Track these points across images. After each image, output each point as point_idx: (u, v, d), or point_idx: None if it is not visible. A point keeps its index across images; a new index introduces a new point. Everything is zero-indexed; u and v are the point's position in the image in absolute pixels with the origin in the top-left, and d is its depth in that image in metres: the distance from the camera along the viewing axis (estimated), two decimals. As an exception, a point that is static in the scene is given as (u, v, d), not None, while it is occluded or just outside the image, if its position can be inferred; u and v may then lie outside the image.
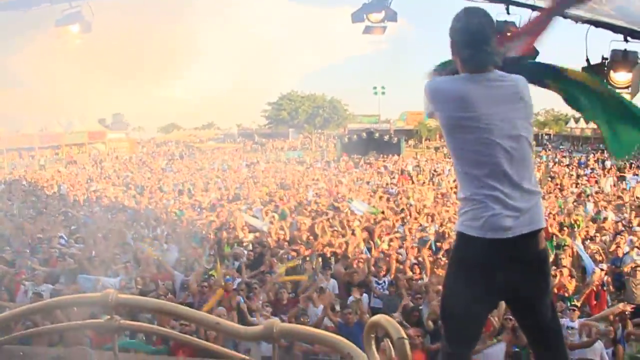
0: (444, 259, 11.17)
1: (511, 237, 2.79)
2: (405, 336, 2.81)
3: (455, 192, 21.45)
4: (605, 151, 39.04)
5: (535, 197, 2.90)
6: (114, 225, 14.96)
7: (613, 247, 12.12)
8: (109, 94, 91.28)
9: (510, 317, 7.67)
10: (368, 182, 26.34)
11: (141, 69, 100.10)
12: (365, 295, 9.64)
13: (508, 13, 6.85)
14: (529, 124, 2.95)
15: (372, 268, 10.95)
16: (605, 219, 16.05)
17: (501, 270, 2.84)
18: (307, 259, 11.44)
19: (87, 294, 6.85)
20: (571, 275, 10.28)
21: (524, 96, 2.92)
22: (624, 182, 25.91)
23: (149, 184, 27.61)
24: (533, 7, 6.12)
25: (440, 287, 9.46)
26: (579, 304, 9.07)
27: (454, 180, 25.91)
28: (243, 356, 3.51)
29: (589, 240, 13.07)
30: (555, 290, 9.28)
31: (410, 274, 10.61)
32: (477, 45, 2.87)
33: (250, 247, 13.01)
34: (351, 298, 9.39)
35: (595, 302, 9.72)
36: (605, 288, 10.27)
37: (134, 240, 13.44)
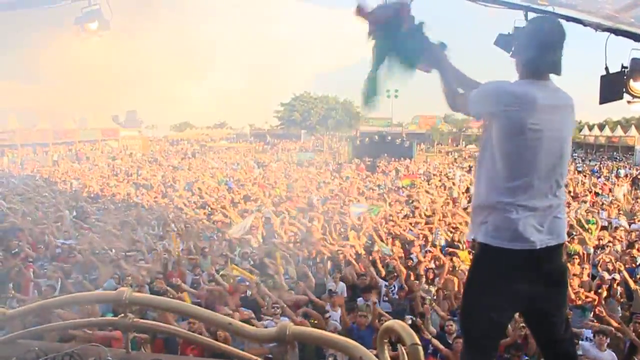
0: (459, 265, 11.11)
1: (537, 249, 2.79)
2: (419, 342, 2.80)
3: (466, 198, 21.39)
4: (618, 159, 38.83)
5: (561, 208, 2.90)
6: (125, 222, 15.02)
7: (627, 257, 12.00)
8: (123, 92, 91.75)
9: (523, 326, 7.66)
10: (379, 186, 26.23)
11: (156, 67, 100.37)
12: (375, 298, 9.61)
13: (526, 19, 6.81)
14: (570, 138, 2.97)
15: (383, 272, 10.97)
16: (617, 227, 15.91)
17: (524, 282, 2.84)
18: (319, 261, 11.43)
19: (102, 291, 6.90)
20: (582, 286, 10.20)
21: (574, 109, 2.97)
22: (637, 190, 25.72)
23: (161, 181, 27.70)
24: (552, 14, 6.08)
25: (446, 293, 9.53)
26: (591, 315, 9.02)
27: (464, 185, 25.88)
28: (252, 356, 3.51)
29: (600, 249, 12.97)
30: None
31: (420, 279, 10.58)
32: (547, 53, 2.90)
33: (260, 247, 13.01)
34: (360, 300, 9.40)
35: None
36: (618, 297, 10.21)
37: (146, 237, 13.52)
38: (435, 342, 7.80)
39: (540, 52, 2.89)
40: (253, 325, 5.27)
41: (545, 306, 2.95)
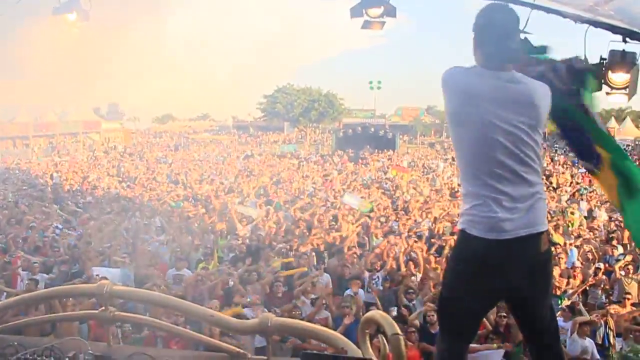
0: (439, 255, 11.20)
1: (510, 238, 2.78)
2: (400, 332, 2.82)
3: (448, 189, 21.54)
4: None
5: (535, 199, 2.87)
6: (108, 216, 14.93)
7: (607, 247, 12.17)
8: (105, 84, 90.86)
9: (504, 315, 7.76)
10: (363, 178, 26.28)
11: (138, 58, 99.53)
12: (360, 290, 9.66)
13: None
14: (537, 130, 2.87)
15: (368, 263, 11.01)
16: (596, 218, 16.12)
17: (501, 270, 2.83)
18: (305, 254, 11.43)
19: (82, 285, 6.84)
20: (562, 275, 10.34)
21: (538, 103, 2.87)
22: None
23: (144, 175, 27.54)
24: (532, 6, 6.11)
25: (432, 284, 9.59)
26: (568, 303, 9.15)
27: (448, 177, 26.05)
28: (236, 348, 3.51)
29: (581, 239, 13.12)
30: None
31: (404, 270, 10.63)
32: (498, 42, 2.83)
33: (245, 240, 12.98)
34: (348, 292, 9.43)
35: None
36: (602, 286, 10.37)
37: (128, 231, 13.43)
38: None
39: (487, 44, 2.86)
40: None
41: (527, 295, 2.95)
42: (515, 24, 2.91)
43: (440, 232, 13.66)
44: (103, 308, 3.45)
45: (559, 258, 11.07)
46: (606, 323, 8.45)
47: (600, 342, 8.33)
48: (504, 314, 7.89)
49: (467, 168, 2.91)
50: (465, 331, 3.10)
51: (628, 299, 9.47)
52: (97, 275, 8.98)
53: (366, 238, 13.16)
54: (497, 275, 2.84)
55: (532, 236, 2.84)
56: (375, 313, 3.14)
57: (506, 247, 2.79)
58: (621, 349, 8.04)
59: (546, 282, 3.04)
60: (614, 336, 8.33)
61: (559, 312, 8.49)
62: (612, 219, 15.80)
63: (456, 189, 20.50)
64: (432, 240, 12.88)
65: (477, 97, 2.81)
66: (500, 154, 2.80)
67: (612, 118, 56.57)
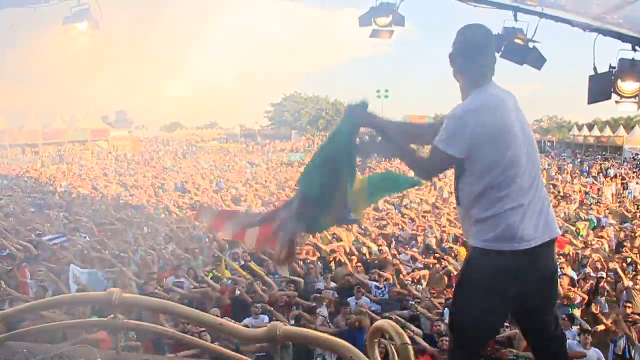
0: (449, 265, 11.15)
1: (533, 247, 2.79)
2: (409, 342, 2.81)
3: (455, 198, 21.45)
4: (608, 160, 39.06)
5: (547, 203, 2.89)
6: (115, 224, 14.97)
7: (617, 257, 12.09)
8: (114, 92, 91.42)
9: (507, 325, 7.72)
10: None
11: (146, 67, 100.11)
12: (365, 299, 9.64)
13: (516, 20, 6.86)
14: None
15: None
16: (604, 227, 16.02)
17: (517, 281, 2.83)
18: (309, 262, 11.42)
19: (92, 292, 6.85)
20: (572, 284, 10.27)
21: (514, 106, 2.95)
22: (626, 190, 25.87)
23: (152, 182, 27.64)
24: (541, 15, 6.13)
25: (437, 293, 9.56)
26: (578, 314, 9.08)
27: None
28: (242, 357, 3.50)
29: (590, 249, 13.04)
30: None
31: (409, 279, 10.60)
32: (485, 56, 2.95)
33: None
34: (351, 300, 9.42)
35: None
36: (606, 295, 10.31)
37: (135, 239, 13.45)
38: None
39: (474, 61, 2.92)
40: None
41: (537, 305, 2.94)
42: (493, 41, 3.02)
43: (446, 240, 13.61)
44: (112, 316, 3.46)
45: (569, 267, 11.02)
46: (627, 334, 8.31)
47: (620, 354, 8.21)
48: (507, 325, 7.85)
49: (489, 189, 2.85)
50: (480, 346, 3.09)
51: (628, 307, 9.37)
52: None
53: (371, 247, 13.12)
54: (514, 286, 2.83)
55: (550, 242, 2.85)
56: (385, 322, 3.12)
57: (527, 257, 2.79)
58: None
59: (555, 291, 3.04)
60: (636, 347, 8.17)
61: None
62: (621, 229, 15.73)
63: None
64: (438, 250, 12.83)
65: (502, 108, 2.87)
66: (532, 156, 2.87)
67: (621, 127, 56.20)
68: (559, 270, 2.96)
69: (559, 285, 3.18)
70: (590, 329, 8.17)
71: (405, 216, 17.07)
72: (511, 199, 2.79)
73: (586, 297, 9.80)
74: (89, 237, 13.32)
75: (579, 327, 8.29)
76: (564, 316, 8.65)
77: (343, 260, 11.58)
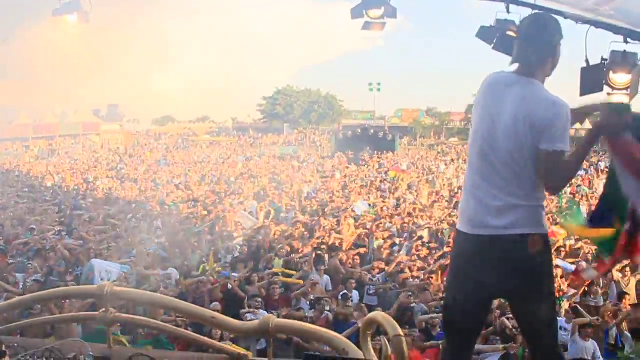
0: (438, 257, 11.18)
1: (489, 234, 2.83)
2: (402, 334, 2.81)
3: (448, 191, 21.54)
4: (599, 152, 39.20)
5: (523, 200, 2.85)
6: (108, 218, 14.92)
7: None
8: (105, 85, 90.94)
9: (510, 317, 7.76)
10: (362, 179, 26.26)
11: (138, 60, 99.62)
12: (355, 292, 9.66)
13: (508, 12, 6.85)
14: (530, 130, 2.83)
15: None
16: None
17: (487, 268, 2.87)
18: (306, 256, 11.41)
19: (82, 286, 6.84)
20: (563, 276, 10.32)
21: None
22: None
23: (143, 176, 27.54)
24: (533, 6, 6.11)
25: (433, 286, 9.59)
26: (567, 305, 9.15)
27: (447, 179, 26.05)
28: (237, 349, 3.50)
29: (581, 241, 13.08)
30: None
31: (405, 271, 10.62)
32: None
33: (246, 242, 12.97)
34: (343, 293, 9.44)
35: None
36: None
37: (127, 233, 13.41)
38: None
39: (557, 54, 2.93)
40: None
41: (524, 297, 2.94)
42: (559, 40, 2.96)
43: (440, 234, 13.65)
44: (103, 310, 3.44)
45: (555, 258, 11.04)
46: (619, 323, 8.40)
47: (613, 343, 8.29)
48: (510, 316, 7.89)
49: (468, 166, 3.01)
50: (467, 332, 3.11)
51: (627, 299, 9.45)
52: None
53: (366, 240, 13.14)
54: (484, 273, 2.88)
55: (519, 236, 2.82)
56: (377, 314, 3.13)
57: (490, 245, 2.84)
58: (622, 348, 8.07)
59: (540, 284, 2.99)
60: (624, 336, 8.29)
61: (563, 314, 8.50)
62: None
63: (456, 191, 20.51)
64: (432, 243, 12.86)
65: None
66: (492, 154, 2.87)
67: (612, 120, 56.58)
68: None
69: (548, 278, 3.11)
70: (589, 321, 8.25)
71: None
72: (475, 181, 2.92)
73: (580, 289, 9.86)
74: (80, 232, 13.25)
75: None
76: (568, 309, 8.75)
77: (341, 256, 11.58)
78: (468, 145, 3.04)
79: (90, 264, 9.84)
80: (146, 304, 4.99)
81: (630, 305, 9.25)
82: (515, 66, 2.93)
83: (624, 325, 8.32)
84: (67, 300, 6.86)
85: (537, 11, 5.19)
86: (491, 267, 2.85)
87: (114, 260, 10.49)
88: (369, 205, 17.45)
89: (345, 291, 9.48)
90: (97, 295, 3.42)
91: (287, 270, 10.64)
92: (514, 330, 7.27)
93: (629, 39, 5.79)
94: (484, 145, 2.86)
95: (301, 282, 10.10)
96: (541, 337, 3.03)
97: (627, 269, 10.47)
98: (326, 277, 10.50)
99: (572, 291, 9.80)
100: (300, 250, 11.81)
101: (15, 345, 3.07)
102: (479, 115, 2.94)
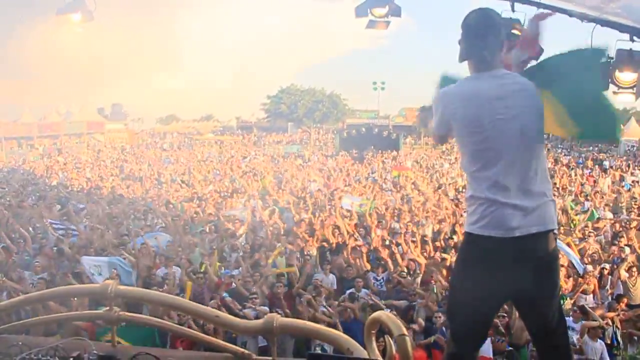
0: (447, 256, 11.14)
1: (518, 235, 2.78)
2: (406, 333, 2.80)
3: (454, 189, 21.49)
4: (602, 151, 39.11)
5: (543, 197, 2.87)
6: (112, 215, 14.95)
7: (614, 248, 12.07)
8: (109, 84, 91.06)
9: (504, 315, 7.79)
10: (367, 178, 26.22)
11: (142, 59, 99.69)
12: (364, 290, 9.65)
13: (513, 10, 6.82)
14: (535, 120, 2.90)
15: (368, 264, 11.04)
16: (600, 219, 16.01)
17: (507, 269, 2.82)
18: (306, 254, 11.41)
19: (87, 285, 6.85)
20: (568, 275, 10.30)
21: (529, 91, 2.91)
22: (622, 182, 25.89)
23: (148, 174, 27.58)
24: (538, 4, 6.09)
25: (436, 285, 9.58)
26: (570, 304, 9.14)
27: (452, 178, 26.00)
28: (240, 349, 3.49)
29: (586, 240, 13.04)
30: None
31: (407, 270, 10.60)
32: (485, 43, 2.90)
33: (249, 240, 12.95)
34: (349, 291, 9.43)
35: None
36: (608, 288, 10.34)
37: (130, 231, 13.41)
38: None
39: (473, 45, 2.92)
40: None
41: (536, 295, 2.92)
42: (495, 24, 2.96)
43: (444, 233, 13.61)
44: (108, 308, 3.45)
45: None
46: (614, 323, 8.44)
47: (609, 342, 8.31)
48: (504, 314, 7.94)
49: (474, 171, 2.91)
50: (476, 335, 3.08)
51: (623, 301, 9.40)
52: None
53: (369, 238, 13.11)
54: (505, 274, 2.83)
55: (541, 234, 2.83)
56: (382, 314, 3.12)
57: (515, 245, 2.79)
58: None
59: (553, 282, 3.01)
60: (621, 336, 8.33)
61: (570, 313, 8.51)
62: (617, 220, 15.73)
63: (461, 190, 20.46)
64: (436, 242, 12.82)
65: (482, 99, 2.85)
66: (520, 146, 2.82)
67: (617, 119, 56.41)
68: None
69: (558, 276, 3.11)
70: (601, 322, 8.26)
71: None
72: (493, 187, 2.84)
73: (592, 287, 9.86)
74: (85, 230, 13.28)
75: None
76: (576, 308, 8.76)
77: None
78: (469, 152, 2.96)
79: (81, 261, 9.85)
80: (151, 303, 5.00)
81: (627, 305, 9.28)
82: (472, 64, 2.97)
83: (618, 324, 8.39)
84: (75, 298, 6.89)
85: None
86: (515, 269, 2.82)
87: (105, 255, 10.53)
88: (366, 199, 17.31)
89: (352, 290, 9.49)
90: (101, 293, 3.42)
91: (289, 269, 10.63)
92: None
93: (635, 37, 5.76)
94: (498, 146, 2.83)
95: (294, 269, 10.15)
96: (554, 336, 3.01)
97: (634, 269, 10.44)
98: (332, 276, 10.51)
99: (573, 291, 9.80)
100: (304, 249, 11.79)
101: (20, 343, 3.07)
102: (476, 121, 2.87)
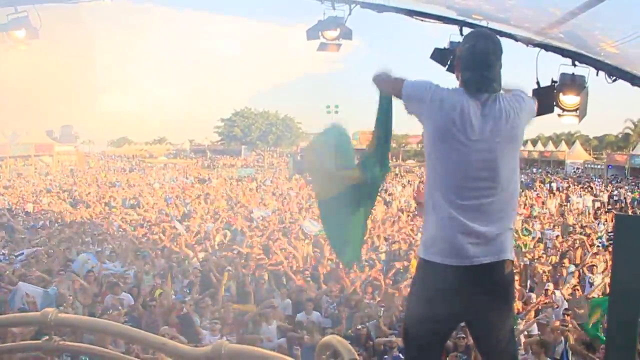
0: (401, 280, 11.15)
1: (475, 264, 2.74)
2: (357, 357, 2.74)
3: (405, 212, 21.67)
4: (550, 173, 40.28)
5: (505, 226, 2.82)
6: (58, 241, 14.48)
7: (560, 268, 12.31)
8: (57, 106, 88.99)
9: (463, 336, 7.79)
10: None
11: (92, 81, 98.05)
12: (316, 313, 9.56)
13: (461, 34, 6.96)
14: (515, 146, 2.87)
15: (323, 286, 10.94)
16: (548, 239, 16.38)
17: (462, 296, 2.79)
18: (262, 279, 11.24)
19: (25, 313, 6.55)
20: (518, 298, 10.42)
21: (510, 122, 2.83)
22: (569, 203, 26.67)
23: (97, 198, 26.94)
24: (486, 29, 6.23)
25: (386, 307, 9.57)
26: (521, 327, 9.23)
27: (405, 201, 26.25)
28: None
29: (536, 261, 13.28)
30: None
31: (360, 293, 10.57)
32: (478, 69, 2.85)
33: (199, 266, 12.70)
34: (300, 315, 9.32)
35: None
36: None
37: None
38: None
39: (468, 69, 2.89)
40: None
41: (488, 319, 2.91)
42: (497, 52, 2.91)
43: (398, 255, 13.66)
44: (47, 338, 3.28)
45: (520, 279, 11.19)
46: (566, 339, 8.51)
47: (558, 358, 8.38)
48: (463, 335, 7.93)
49: (437, 190, 2.83)
50: (428, 356, 3.05)
51: (571, 315, 9.51)
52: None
53: (322, 261, 13.04)
54: (459, 300, 2.80)
55: (498, 263, 2.80)
56: (332, 338, 3.04)
57: (470, 273, 2.75)
58: None
59: (508, 306, 3.00)
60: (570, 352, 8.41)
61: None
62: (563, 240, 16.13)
63: (415, 213, 20.64)
64: (391, 263, 12.84)
65: (460, 113, 2.77)
66: (475, 173, 2.76)
67: (562, 142, 58.41)
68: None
69: (513, 300, 3.10)
70: (539, 339, 8.31)
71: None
72: (451, 206, 2.78)
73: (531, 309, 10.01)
74: (29, 256, 12.81)
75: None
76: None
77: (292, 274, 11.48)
78: (434, 174, 2.87)
79: (16, 287, 9.46)
80: (94, 331, 4.80)
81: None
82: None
83: (571, 340, 8.46)
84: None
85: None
86: (471, 295, 2.79)
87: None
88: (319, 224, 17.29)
89: (304, 313, 9.39)
90: (40, 322, 3.25)
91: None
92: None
93: (576, 62, 5.95)
94: (470, 171, 2.76)
95: (254, 308, 9.89)
96: (503, 355, 3.01)
97: (577, 290, 10.66)
98: (288, 300, 10.35)
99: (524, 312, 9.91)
100: (255, 273, 11.63)
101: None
102: (454, 142, 2.79)
